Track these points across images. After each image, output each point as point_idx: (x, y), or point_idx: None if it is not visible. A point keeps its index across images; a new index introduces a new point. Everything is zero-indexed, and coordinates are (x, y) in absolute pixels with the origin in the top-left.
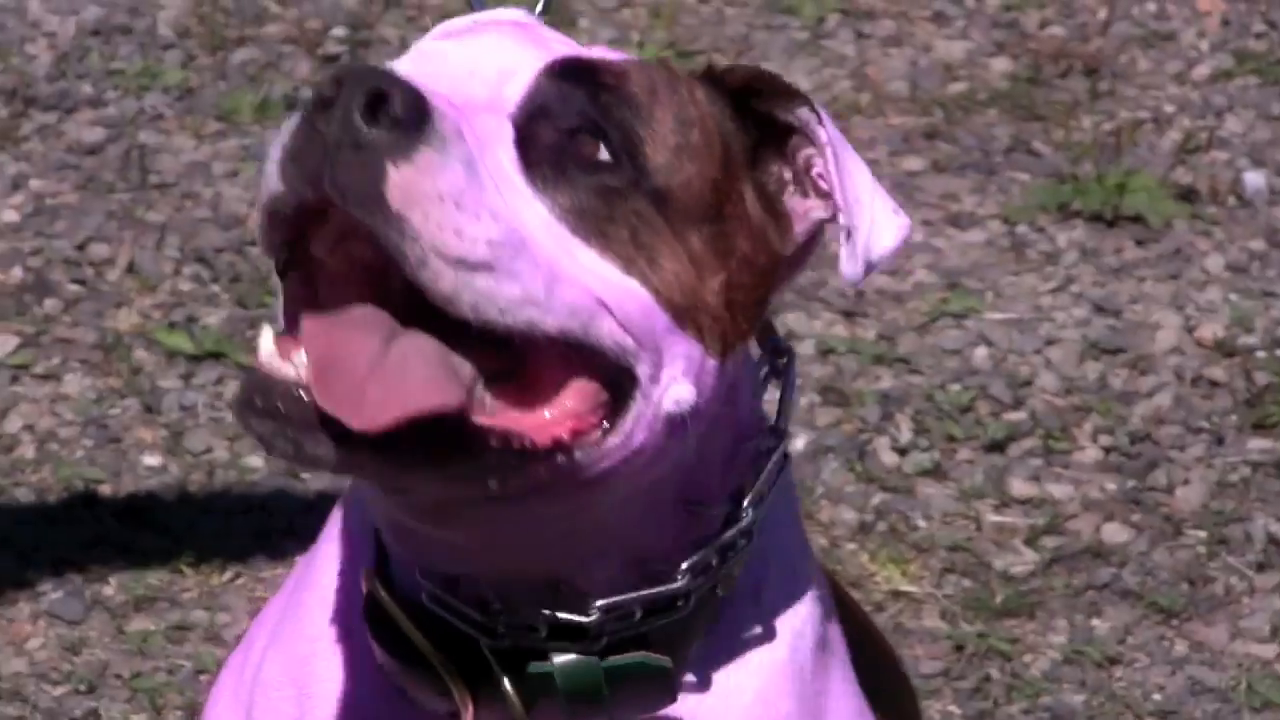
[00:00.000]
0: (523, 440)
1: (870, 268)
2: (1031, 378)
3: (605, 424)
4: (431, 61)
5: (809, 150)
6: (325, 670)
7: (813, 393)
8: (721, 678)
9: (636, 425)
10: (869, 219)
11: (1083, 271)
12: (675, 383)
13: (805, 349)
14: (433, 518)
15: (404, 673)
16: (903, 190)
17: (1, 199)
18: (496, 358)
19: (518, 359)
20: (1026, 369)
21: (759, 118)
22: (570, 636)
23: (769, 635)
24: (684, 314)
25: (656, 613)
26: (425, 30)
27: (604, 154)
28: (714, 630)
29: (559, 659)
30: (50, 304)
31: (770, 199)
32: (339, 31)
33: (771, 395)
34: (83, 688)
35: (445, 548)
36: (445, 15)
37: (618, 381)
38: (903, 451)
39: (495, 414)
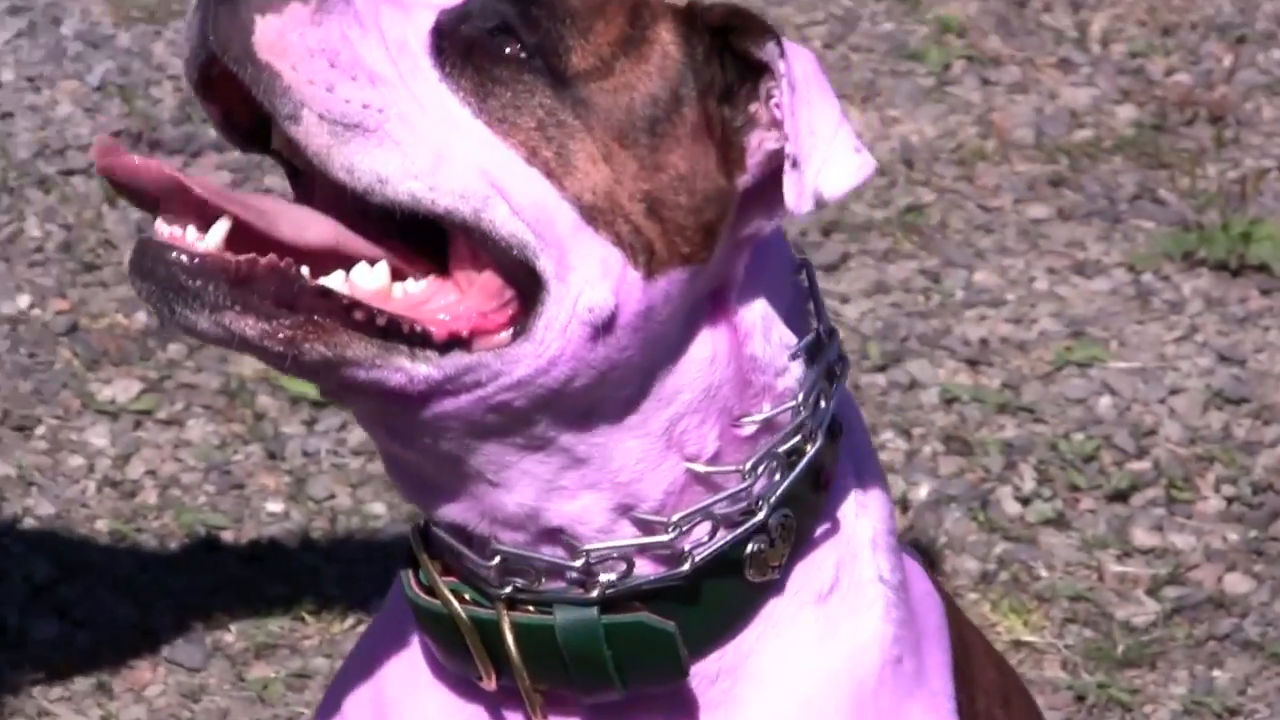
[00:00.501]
0: (413, 326)
1: (821, 203)
2: (1155, 427)
3: (515, 327)
4: None
5: (772, 83)
6: (396, 686)
7: (936, 441)
8: (763, 673)
9: (549, 330)
10: (823, 153)
11: (1207, 320)
12: (589, 285)
13: (929, 397)
14: (387, 432)
15: (443, 652)
16: (1028, 238)
17: (125, 243)
18: (422, 252)
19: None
20: (1150, 418)
21: (739, 55)
22: (572, 583)
23: (827, 641)
24: (595, 215)
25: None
26: None
27: (520, 54)
28: (761, 623)
29: (562, 612)
30: (174, 349)
31: (729, 132)
32: None
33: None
34: None
35: (429, 485)
36: None
37: (525, 282)
38: (1026, 501)
39: (400, 305)
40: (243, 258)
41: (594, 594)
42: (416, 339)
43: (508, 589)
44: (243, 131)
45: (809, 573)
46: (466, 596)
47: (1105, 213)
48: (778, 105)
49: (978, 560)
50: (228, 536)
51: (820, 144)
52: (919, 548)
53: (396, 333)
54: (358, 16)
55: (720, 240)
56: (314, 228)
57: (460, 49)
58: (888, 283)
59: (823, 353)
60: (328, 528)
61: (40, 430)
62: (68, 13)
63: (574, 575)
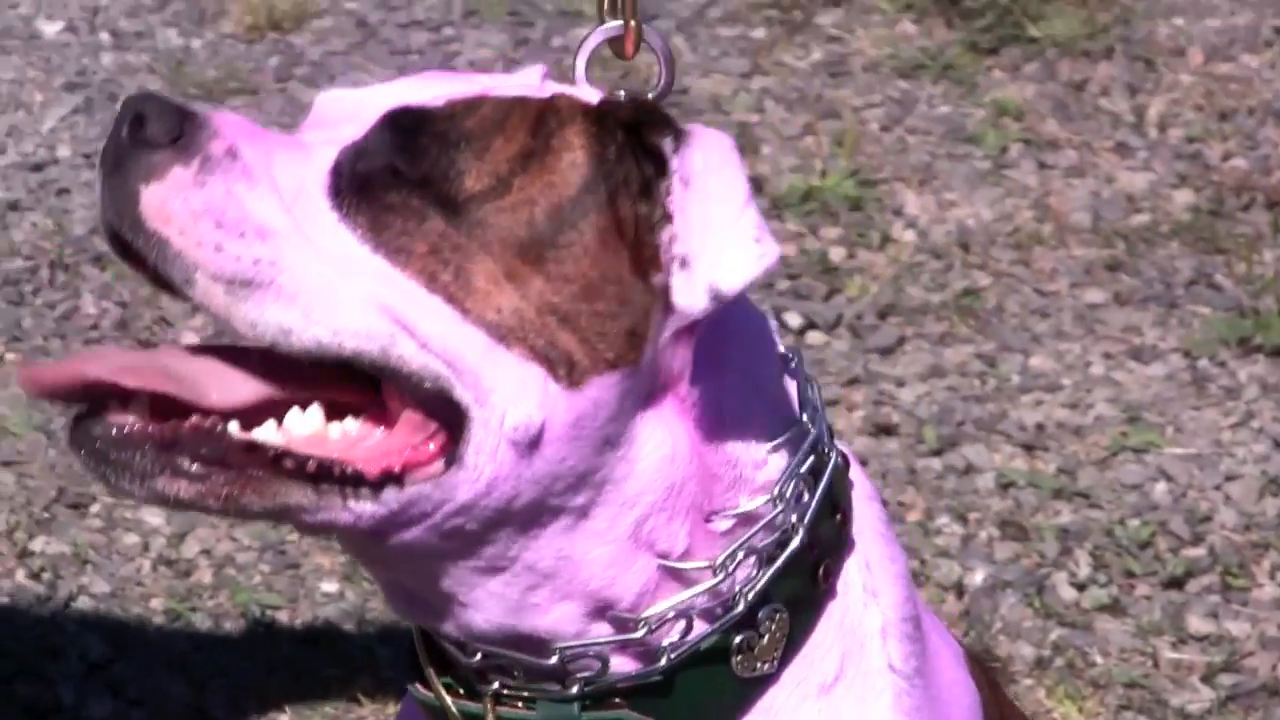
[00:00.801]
0: (344, 468)
1: (720, 298)
2: (1210, 513)
3: (446, 456)
4: (341, 101)
5: (667, 180)
6: None
7: (992, 526)
8: None
9: (479, 454)
10: (718, 247)
11: (1263, 407)
12: (511, 405)
13: (985, 482)
14: (361, 556)
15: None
16: (1084, 322)
17: (181, 321)
18: (357, 391)
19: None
20: (1206, 504)
21: (654, 150)
22: (550, 679)
23: None
24: (505, 334)
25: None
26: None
27: (411, 184)
28: (760, 715)
29: (543, 707)
30: None
31: (643, 231)
32: None
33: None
34: None
35: (409, 598)
36: None
37: (447, 412)
38: (1081, 587)
39: (337, 447)
40: (166, 425)
41: (572, 690)
42: (349, 480)
43: (493, 685)
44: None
45: (811, 664)
46: (461, 691)
47: (1161, 298)
48: (673, 205)
49: (1033, 646)
50: (282, 616)
51: (714, 238)
52: (974, 633)
53: (329, 476)
54: (246, 170)
55: (649, 340)
56: (242, 387)
57: (356, 186)
58: (944, 366)
59: (808, 444)
60: (382, 609)
61: (95, 508)
62: (124, 89)
63: (549, 673)
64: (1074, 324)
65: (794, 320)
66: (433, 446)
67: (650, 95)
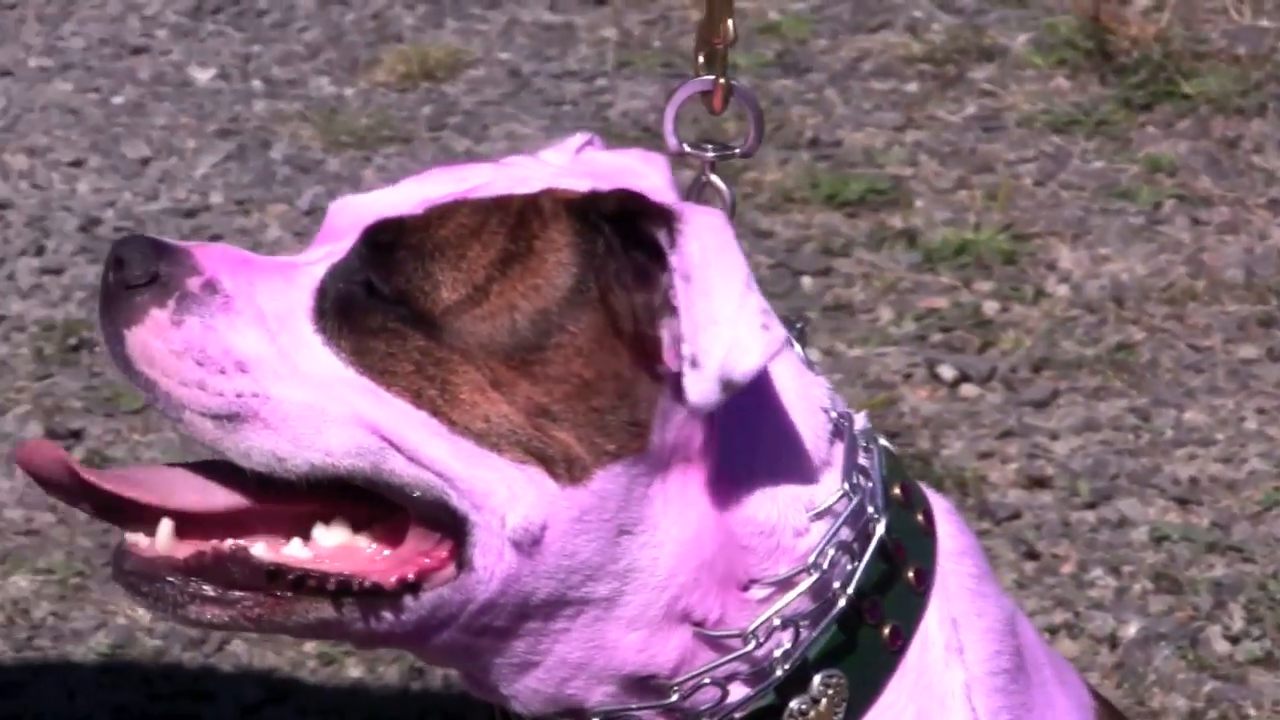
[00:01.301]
0: (361, 582)
1: (730, 389)
2: None
3: (456, 561)
4: (349, 209)
5: (667, 274)
6: None
7: (1146, 579)
8: None
9: (486, 557)
10: (727, 340)
11: None
12: (508, 509)
13: (1139, 535)
14: (414, 650)
15: None
16: (1237, 378)
17: None
18: (369, 504)
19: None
20: None
21: (645, 239)
22: None
23: None
24: (493, 440)
25: None
26: None
27: (388, 302)
28: None
29: None
30: None
31: (642, 324)
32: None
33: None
34: None
35: (466, 677)
36: None
37: (448, 520)
38: (1235, 640)
39: (360, 559)
40: (189, 554)
41: None
42: (368, 593)
43: None
44: None
45: None
46: None
47: None
48: (675, 296)
49: (1186, 699)
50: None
51: (723, 331)
52: (1127, 685)
53: (348, 591)
54: (226, 303)
55: (654, 428)
56: (219, 493)
57: (337, 308)
58: (1098, 420)
59: (849, 511)
60: None
61: None
62: (277, 137)
63: None
64: (1227, 379)
65: (948, 373)
66: (443, 553)
67: (739, 150)
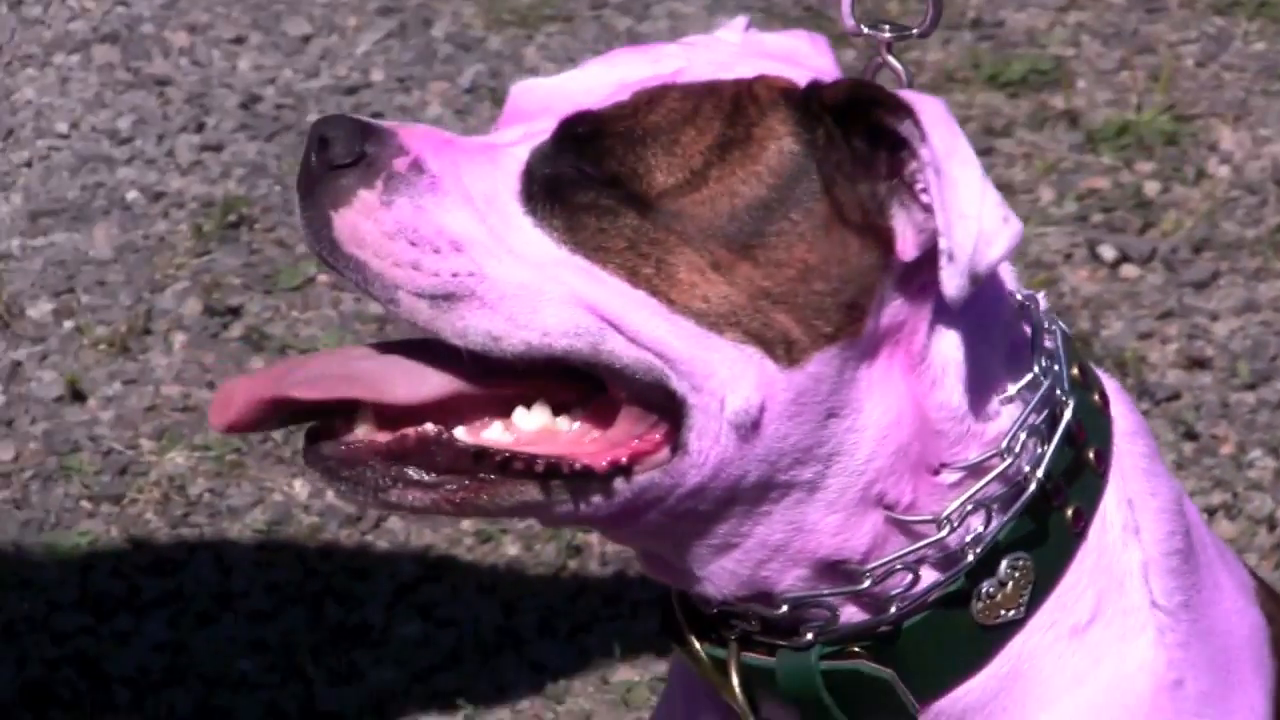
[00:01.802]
0: (571, 464)
1: (976, 280)
2: None
3: (670, 444)
4: (535, 92)
5: (914, 164)
6: (690, 704)
7: None
8: (1016, 711)
9: (702, 440)
10: (974, 231)
11: None
12: (728, 390)
13: None
14: (604, 534)
15: (687, 662)
16: None
17: None
18: (573, 387)
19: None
20: None
21: (872, 127)
22: (783, 632)
23: (1088, 673)
24: (715, 321)
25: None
26: None
27: (598, 182)
28: (1008, 661)
29: (780, 655)
30: None
31: (870, 214)
32: None
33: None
34: None
35: (652, 560)
36: None
37: (665, 401)
38: None
39: (562, 442)
40: (391, 437)
41: (807, 637)
42: (579, 475)
43: (734, 633)
44: None
45: (1063, 607)
46: (711, 637)
47: None
48: (924, 191)
49: None
50: (592, 539)
51: (970, 224)
52: None
53: (557, 473)
54: (434, 183)
55: (871, 311)
56: (430, 382)
57: (546, 189)
58: (1258, 301)
59: (1040, 396)
60: None
61: None
62: (439, 15)
63: (779, 622)
64: None
65: (1108, 253)
66: (657, 435)
67: (915, 32)
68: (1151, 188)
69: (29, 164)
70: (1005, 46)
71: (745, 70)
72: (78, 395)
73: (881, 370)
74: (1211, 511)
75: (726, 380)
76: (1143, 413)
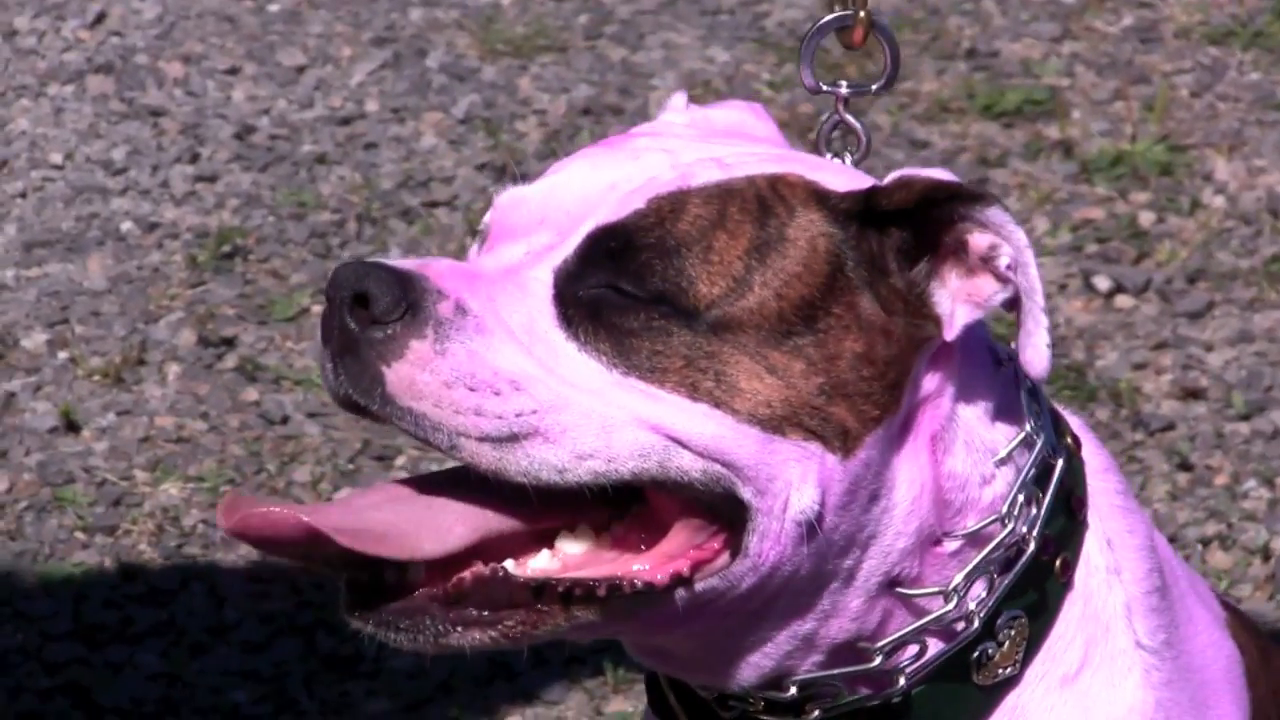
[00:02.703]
0: (633, 583)
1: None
2: None
3: (729, 549)
4: (525, 203)
5: (989, 240)
6: None
7: None
8: None
9: (763, 543)
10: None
11: None
12: (794, 491)
13: None
14: (641, 638)
15: None
16: None
17: None
18: (606, 505)
19: (634, 497)
20: None
21: (917, 218)
22: (788, 711)
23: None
24: (778, 424)
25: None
26: None
27: (642, 301)
28: (1004, 716)
29: None
30: None
31: (905, 297)
32: None
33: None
34: None
35: (657, 654)
36: None
37: (727, 509)
38: None
39: (613, 560)
40: (450, 583)
41: (813, 716)
42: (640, 594)
43: (733, 714)
44: None
45: (1052, 658)
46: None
47: None
48: (1010, 268)
49: None
50: None
51: (1040, 299)
52: None
53: (619, 595)
54: (479, 324)
55: (907, 387)
56: (456, 530)
57: (587, 313)
58: (1252, 332)
59: (1036, 453)
60: None
61: (400, 461)
62: (433, 45)
63: (786, 705)
64: None
65: (1103, 284)
66: (716, 544)
67: (874, 88)
68: (1146, 218)
69: (23, 195)
70: (1000, 77)
71: (737, 163)
72: (72, 426)
73: (910, 446)
74: (1206, 542)
75: (792, 480)
76: (1136, 443)
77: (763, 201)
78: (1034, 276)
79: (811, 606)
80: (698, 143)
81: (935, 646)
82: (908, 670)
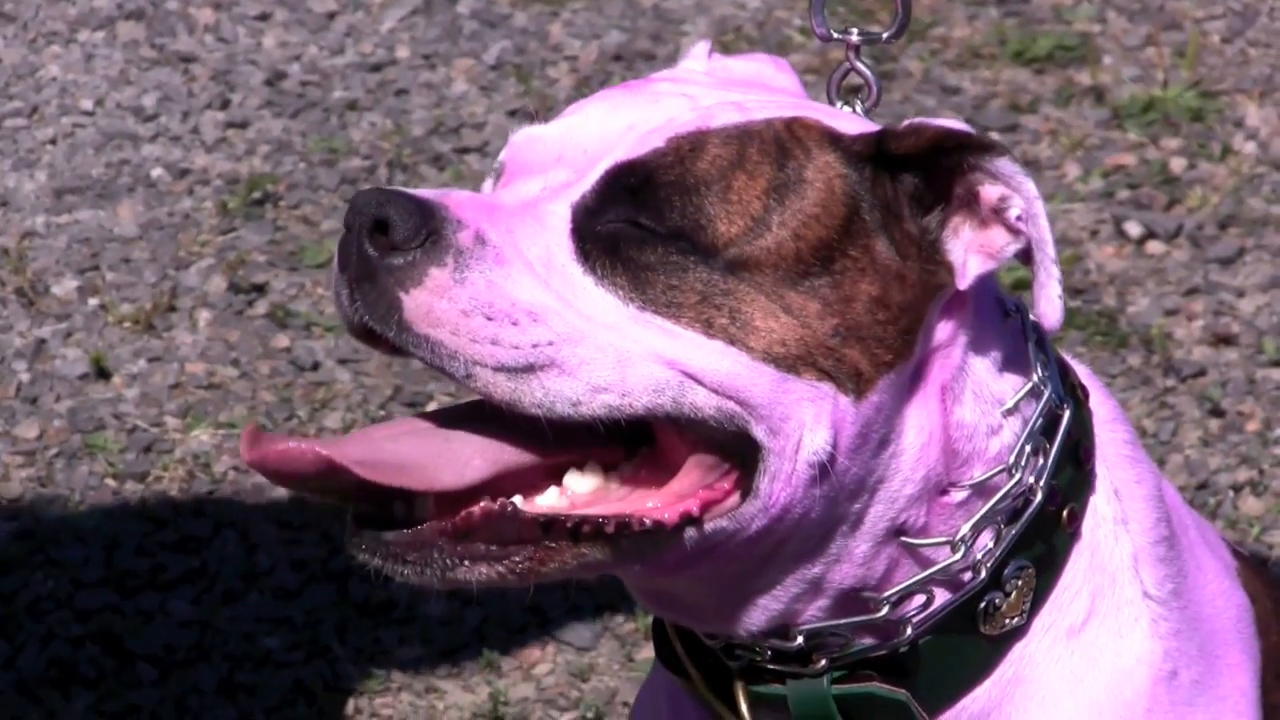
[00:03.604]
0: (642, 522)
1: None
2: None
3: (740, 490)
4: (541, 142)
5: (999, 191)
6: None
7: None
8: (1018, 715)
9: (774, 484)
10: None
11: None
12: (807, 431)
13: None
14: (648, 580)
15: (685, 687)
16: None
17: None
18: (617, 444)
19: (644, 438)
20: None
21: (929, 166)
22: (795, 660)
23: (1086, 672)
24: (793, 363)
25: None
26: None
27: (661, 237)
28: (1010, 666)
29: (792, 683)
30: None
31: (919, 243)
32: None
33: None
34: (590, 715)
35: (662, 600)
36: None
37: (740, 448)
38: None
39: (622, 499)
40: (458, 517)
41: (819, 665)
42: (649, 532)
43: (740, 663)
44: None
45: (1059, 608)
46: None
47: None
48: (1020, 219)
49: None
50: None
51: (1051, 249)
52: None
53: (627, 532)
54: (498, 255)
55: (921, 333)
56: (474, 463)
57: (604, 248)
58: None
59: (1042, 403)
60: None
61: (431, 407)
62: None
63: (793, 654)
64: None
65: (1134, 230)
66: (727, 484)
67: (884, 36)
68: (1177, 164)
69: (54, 141)
70: (1031, 23)
71: (756, 107)
72: (102, 373)
73: (921, 394)
74: (1237, 488)
75: (805, 421)
76: (1168, 389)
77: (780, 143)
78: (1044, 227)
79: (819, 551)
80: (716, 89)
81: (942, 597)
82: (914, 620)
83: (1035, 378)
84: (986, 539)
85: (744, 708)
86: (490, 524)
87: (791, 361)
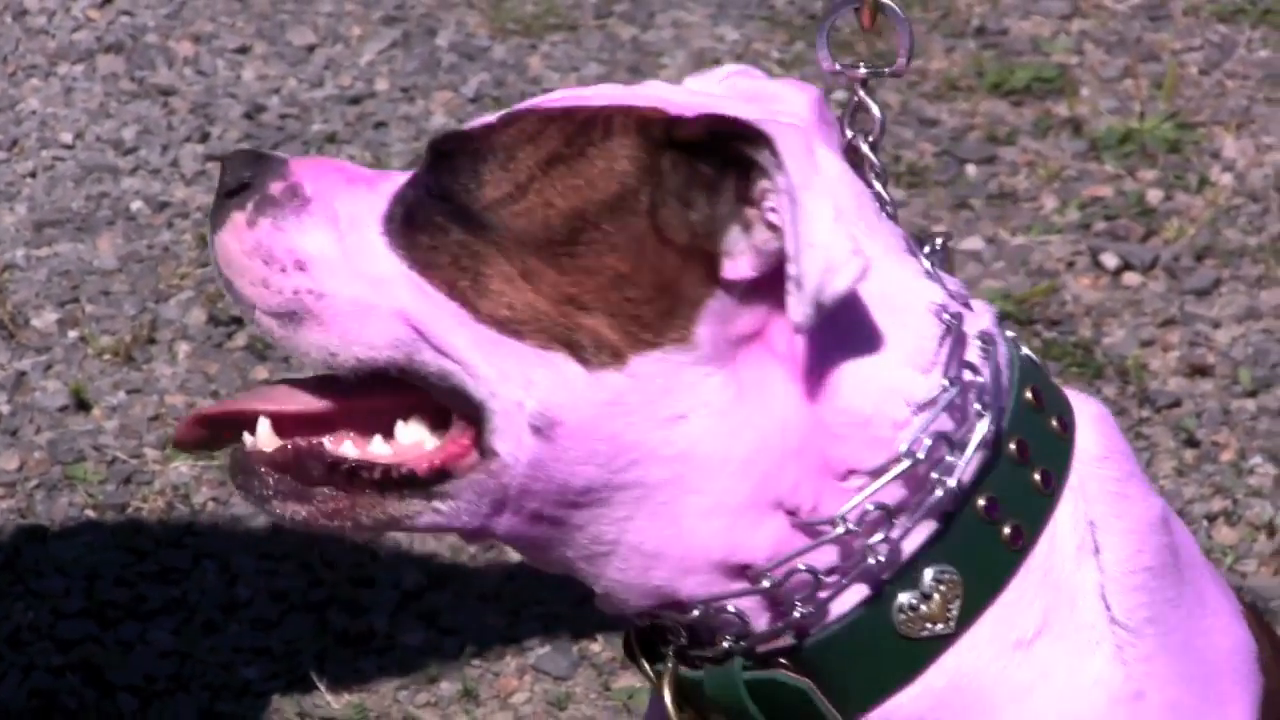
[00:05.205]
0: (399, 469)
1: (821, 308)
2: None
3: (478, 448)
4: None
5: (761, 184)
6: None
7: None
8: None
9: (505, 442)
10: (822, 261)
11: None
12: (524, 393)
13: None
14: (483, 543)
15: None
16: None
17: None
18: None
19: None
20: None
21: (726, 155)
22: (702, 644)
23: (1037, 687)
24: (514, 327)
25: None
26: None
27: (435, 199)
28: (944, 674)
29: (708, 668)
30: None
31: (695, 233)
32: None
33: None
34: None
35: (547, 563)
36: None
37: (468, 408)
38: None
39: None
40: (277, 445)
41: (723, 646)
42: (407, 481)
43: (670, 648)
44: None
45: (1004, 621)
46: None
47: None
48: (774, 210)
49: None
50: None
51: (818, 254)
52: None
53: (390, 481)
54: (304, 206)
55: (698, 321)
56: (300, 397)
57: (404, 212)
58: (1259, 309)
59: (944, 404)
60: None
61: None
62: (443, 24)
63: (694, 629)
64: None
65: (1111, 261)
66: (465, 440)
67: (888, 70)
68: (1154, 195)
69: (33, 174)
70: (1009, 54)
71: (626, 101)
72: (82, 405)
73: (753, 377)
74: (1211, 518)
75: (521, 384)
76: (1143, 420)
77: (586, 125)
78: (796, 221)
79: (635, 519)
80: (686, 93)
81: (859, 592)
82: (804, 603)
83: (945, 380)
84: (881, 528)
85: (667, 688)
86: (300, 460)
87: (515, 325)
